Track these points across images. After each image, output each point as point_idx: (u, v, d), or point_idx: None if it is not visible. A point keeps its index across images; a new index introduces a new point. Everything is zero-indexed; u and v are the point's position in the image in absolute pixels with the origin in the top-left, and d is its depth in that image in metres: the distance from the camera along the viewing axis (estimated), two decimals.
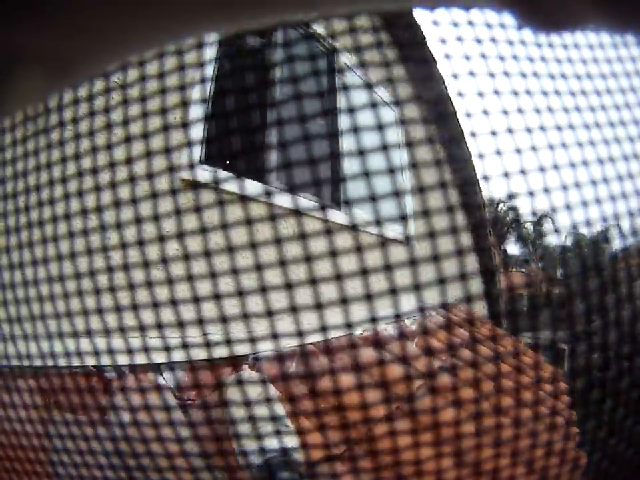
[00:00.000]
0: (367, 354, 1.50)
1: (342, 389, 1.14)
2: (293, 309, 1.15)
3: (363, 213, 2.06)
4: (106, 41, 0.20)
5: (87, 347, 1.11)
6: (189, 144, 1.42)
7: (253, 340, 1.24)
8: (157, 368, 1.29)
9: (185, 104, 1.41)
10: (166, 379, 1.31)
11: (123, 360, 1.12)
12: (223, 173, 1.52)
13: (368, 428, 1.18)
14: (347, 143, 2.09)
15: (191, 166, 1.41)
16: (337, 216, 1.96)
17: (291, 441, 1.09)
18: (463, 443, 1.03)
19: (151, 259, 1.28)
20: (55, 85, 0.23)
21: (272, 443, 1.04)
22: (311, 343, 1.43)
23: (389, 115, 2.66)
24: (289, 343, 1.38)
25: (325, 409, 1.21)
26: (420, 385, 1.44)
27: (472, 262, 3.30)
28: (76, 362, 1.10)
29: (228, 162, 1.54)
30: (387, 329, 1.84)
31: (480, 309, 3.14)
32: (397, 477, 1.01)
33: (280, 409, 1.20)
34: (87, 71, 0.22)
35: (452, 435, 1.05)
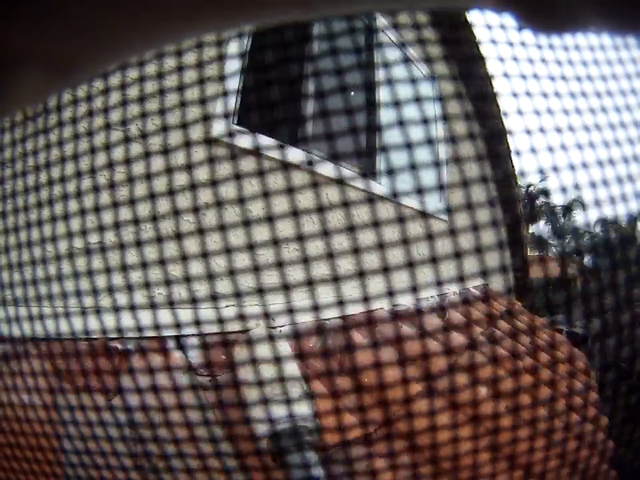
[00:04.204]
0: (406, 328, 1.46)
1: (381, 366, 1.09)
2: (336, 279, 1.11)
3: (400, 184, 2.01)
4: (105, 42, 0.21)
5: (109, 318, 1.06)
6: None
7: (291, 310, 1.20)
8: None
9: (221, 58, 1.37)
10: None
11: (136, 333, 1.07)
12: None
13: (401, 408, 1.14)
14: (384, 115, 2.03)
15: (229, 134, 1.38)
16: (376, 187, 1.91)
17: (304, 409, 0.97)
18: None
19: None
20: (54, 86, 0.23)
21: (281, 411, 0.93)
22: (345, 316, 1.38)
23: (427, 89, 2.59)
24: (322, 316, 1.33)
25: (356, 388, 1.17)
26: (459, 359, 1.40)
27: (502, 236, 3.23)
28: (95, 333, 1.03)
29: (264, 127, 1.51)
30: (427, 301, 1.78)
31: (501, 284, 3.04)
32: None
33: (294, 369, 1.11)
34: (87, 71, 0.23)
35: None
